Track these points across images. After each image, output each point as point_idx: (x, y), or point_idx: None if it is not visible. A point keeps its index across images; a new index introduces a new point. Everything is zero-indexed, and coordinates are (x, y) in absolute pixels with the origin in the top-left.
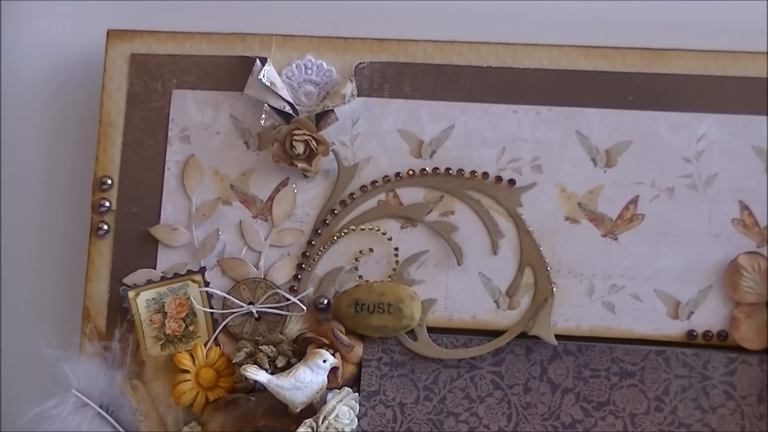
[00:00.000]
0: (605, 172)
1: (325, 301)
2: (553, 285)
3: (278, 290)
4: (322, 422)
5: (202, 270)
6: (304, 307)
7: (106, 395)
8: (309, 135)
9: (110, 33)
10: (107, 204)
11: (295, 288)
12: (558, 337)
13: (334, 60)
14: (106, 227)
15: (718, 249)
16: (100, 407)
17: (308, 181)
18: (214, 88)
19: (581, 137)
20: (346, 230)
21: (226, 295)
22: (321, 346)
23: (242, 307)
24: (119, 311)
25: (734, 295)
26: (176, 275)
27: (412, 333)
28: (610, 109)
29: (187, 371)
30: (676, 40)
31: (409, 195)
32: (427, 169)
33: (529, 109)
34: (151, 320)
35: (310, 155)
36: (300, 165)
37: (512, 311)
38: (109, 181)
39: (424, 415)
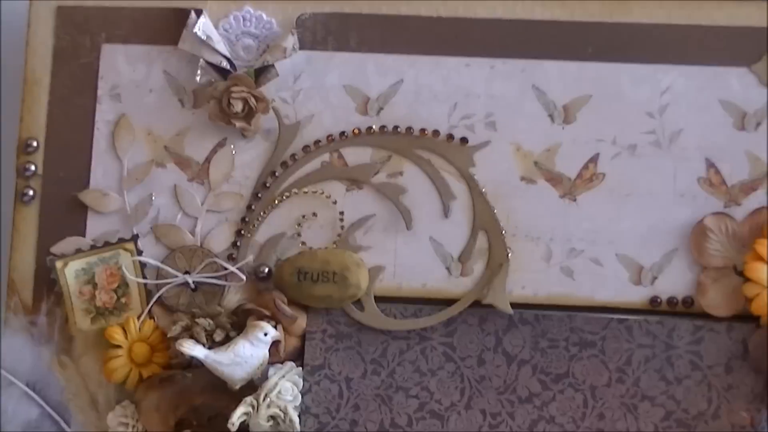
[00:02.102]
0: (563, 128)
1: (266, 270)
2: (509, 250)
3: (216, 259)
4: (264, 399)
5: (135, 237)
6: (244, 277)
7: (32, 373)
8: (248, 92)
9: None
10: (33, 168)
11: (233, 256)
12: (514, 305)
13: (274, 11)
14: (31, 193)
15: (683, 210)
16: (27, 386)
17: (247, 141)
18: (146, 43)
19: (538, 92)
20: (287, 194)
21: (160, 265)
22: (262, 318)
23: (177, 277)
24: (46, 283)
25: (700, 259)
26: (107, 244)
27: (358, 303)
28: (569, 62)
29: (119, 346)
30: None
31: (355, 155)
32: (373, 127)
33: (483, 62)
34: (80, 292)
35: (249, 113)
36: (238, 124)
37: (465, 278)
38: (35, 144)
39: (372, 390)
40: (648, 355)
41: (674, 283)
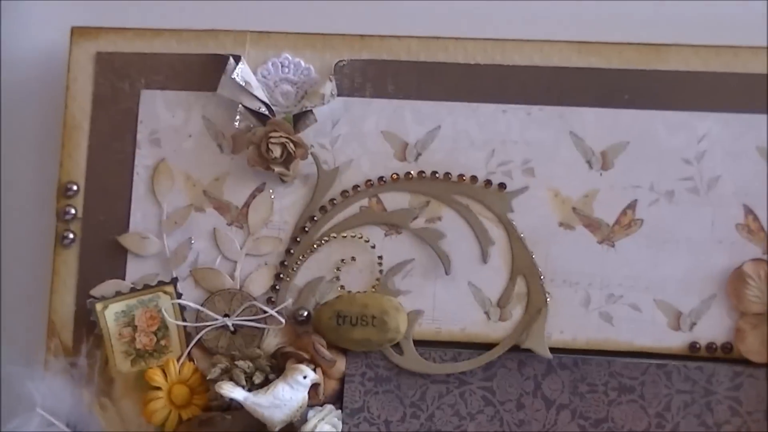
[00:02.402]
0: (601, 175)
1: (305, 313)
2: (547, 295)
3: (255, 302)
4: None
5: (174, 281)
6: (283, 320)
7: (72, 414)
8: (286, 137)
9: (74, 30)
10: (73, 211)
11: (273, 299)
12: (552, 350)
13: (312, 58)
14: (71, 236)
15: (721, 256)
16: (67, 426)
17: (286, 186)
18: (184, 88)
19: (575, 138)
20: (326, 238)
21: (200, 308)
22: (301, 361)
23: (217, 319)
24: (86, 325)
25: (739, 305)
26: (146, 286)
27: (397, 346)
28: (606, 109)
29: (158, 388)
30: (674, 36)
31: (394, 200)
32: (412, 172)
33: (520, 108)
34: (120, 334)
35: (287, 159)
36: (277, 169)
37: (504, 323)
38: (75, 188)
39: None
40: (687, 400)
41: (713, 328)
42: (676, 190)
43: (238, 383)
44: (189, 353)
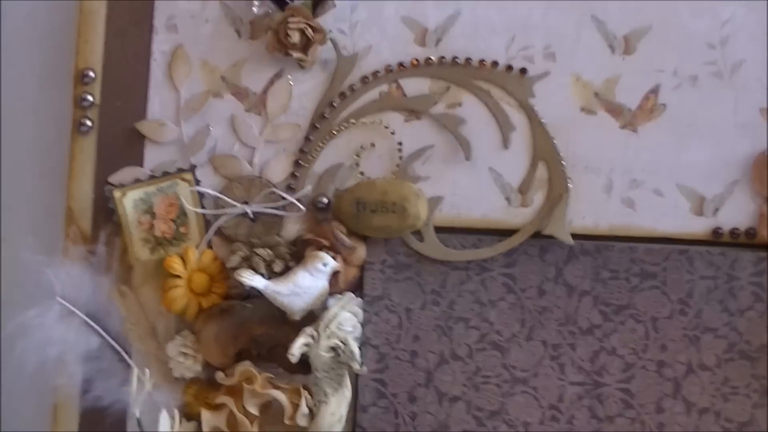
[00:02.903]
0: (623, 59)
1: (325, 201)
2: (569, 180)
3: (274, 189)
4: (324, 330)
5: (193, 168)
6: (303, 207)
7: (92, 303)
8: (305, 23)
9: None
10: (90, 98)
11: (292, 186)
12: (574, 236)
13: None
14: (89, 123)
15: (744, 141)
16: (86, 315)
17: (304, 72)
18: None
19: (597, 22)
20: (345, 124)
21: (219, 195)
22: (321, 248)
23: (236, 207)
24: (104, 212)
25: (762, 190)
26: (165, 173)
27: (417, 233)
28: None
29: (178, 276)
30: None
31: (413, 86)
32: (432, 58)
33: None
34: (139, 222)
35: (306, 44)
36: (296, 55)
37: (525, 209)
38: (92, 74)
39: (432, 320)
40: (710, 286)
41: (736, 214)
42: (700, 74)
43: (257, 271)
44: (208, 241)
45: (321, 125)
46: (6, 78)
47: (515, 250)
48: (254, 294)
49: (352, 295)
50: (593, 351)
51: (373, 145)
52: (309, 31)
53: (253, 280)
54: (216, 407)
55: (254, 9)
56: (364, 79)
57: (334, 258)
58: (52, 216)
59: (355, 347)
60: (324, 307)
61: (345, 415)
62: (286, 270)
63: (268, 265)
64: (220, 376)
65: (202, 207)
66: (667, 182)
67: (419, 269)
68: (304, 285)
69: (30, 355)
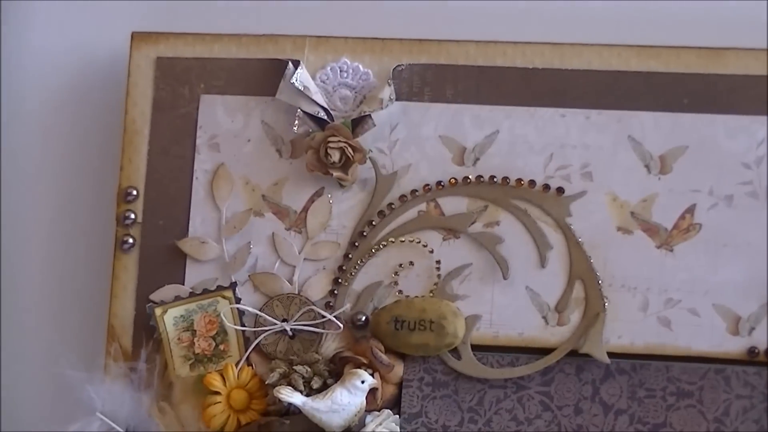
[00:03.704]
0: (659, 179)
1: (363, 318)
2: (605, 300)
3: (313, 307)
4: None
5: (233, 285)
6: (341, 325)
7: (132, 419)
8: (345, 142)
9: (134, 35)
10: (132, 216)
11: (331, 304)
12: (610, 355)
13: (370, 62)
14: (131, 241)
15: None
16: (126, 431)
17: (344, 190)
18: (244, 93)
19: (634, 142)
20: (384, 243)
21: (259, 312)
22: (359, 365)
23: (275, 324)
24: (146, 330)
25: None
26: (206, 291)
27: (455, 351)
28: (665, 113)
29: (217, 393)
30: (733, 39)
31: (452, 205)
32: (470, 177)
33: (578, 112)
34: (179, 339)
35: (346, 163)
36: (335, 174)
37: (562, 328)
38: (135, 192)
39: None
40: (746, 405)
41: None
42: (736, 194)
43: (296, 388)
44: (247, 358)
45: (360, 243)
46: (51, 194)
47: (552, 369)
48: (293, 410)
49: (390, 412)
50: None
51: (411, 263)
52: (349, 151)
53: (291, 396)
54: None
55: (295, 128)
56: (402, 198)
57: (372, 375)
58: (95, 333)
59: None
60: (362, 424)
61: None
62: (325, 387)
63: (307, 382)
64: None
65: (242, 324)
66: (703, 301)
67: (456, 387)
68: (343, 402)
69: None
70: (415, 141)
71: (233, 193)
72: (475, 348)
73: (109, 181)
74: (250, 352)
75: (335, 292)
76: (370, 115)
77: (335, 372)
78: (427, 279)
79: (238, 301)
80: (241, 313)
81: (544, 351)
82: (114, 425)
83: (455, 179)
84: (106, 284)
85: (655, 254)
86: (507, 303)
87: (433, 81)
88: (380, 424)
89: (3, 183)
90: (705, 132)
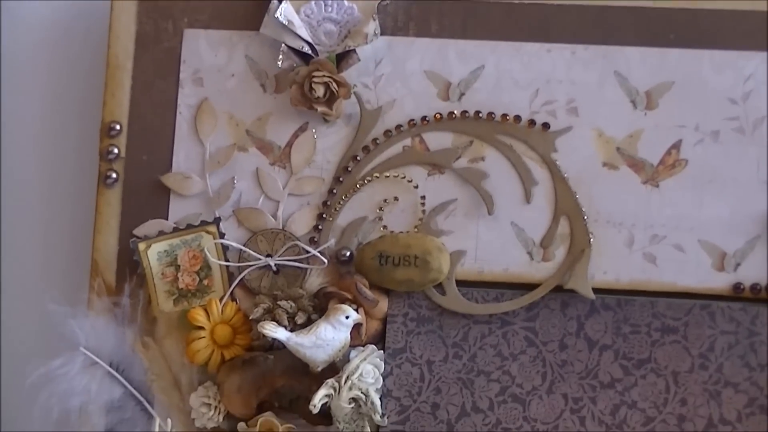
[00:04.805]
0: (645, 114)
1: (348, 254)
2: (591, 235)
3: (298, 242)
4: (345, 382)
5: (217, 220)
6: (325, 260)
7: (116, 353)
8: (329, 77)
9: None
10: (116, 151)
11: (315, 239)
12: (596, 290)
13: None
14: (114, 176)
15: (766, 196)
16: (110, 366)
17: (329, 125)
18: (227, 28)
19: (620, 78)
20: (369, 178)
21: (243, 247)
22: (343, 301)
23: (259, 259)
24: (129, 265)
25: None
26: (189, 226)
27: (440, 287)
28: (651, 48)
29: (201, 328)
30: None
31: (437, 140)
32: (455, 112)
33: (564, 47)
34: (163, 274)
35: (330, 98)
36: (320, 109)
37: (547, 263)
38: (118, 127)
39: (454, 373)
40: (731, 341)
41: (758, 269)
42: (722, 130)
43: (280, 323)
44: (231, 293)
45: (345, 179)
46: (33, 129)
47: (537, 304)
48: (277, 346)
49: (374, 347)
50: (614, 405)
51: (396, 198)
52: (333, 85)
53: (276, 332)
54: None
55: (279, 63)
56: (387, 133)
57: (356, 311)
58: (78, 268)
59: (376, 399)
60: (346, 359)
61: None
62: (309, 322)
63: (291, 317)
64: (242, 427)
65: (226, 259)
66: (689, 237)
67: (441, 322)
68: (327, 337)
69: (54, 405)
70: (399, 76)
71: (217, 128)
72: (460, 284)
73: (93, 117)
74: (234, 288)
75: (319, 227)
76: (354, 50)
77: (319, 307)
78: (411, 214)
79: (222, 236)
80: (225, 248)
81: (529, 287)
82: (98, 360)
83: (440, 114)
84: (89, 219)
85: (641, 190)
86: (492, 238)
87: (417, 16)
88: (364, 359)
89: None
90: (691, 67)
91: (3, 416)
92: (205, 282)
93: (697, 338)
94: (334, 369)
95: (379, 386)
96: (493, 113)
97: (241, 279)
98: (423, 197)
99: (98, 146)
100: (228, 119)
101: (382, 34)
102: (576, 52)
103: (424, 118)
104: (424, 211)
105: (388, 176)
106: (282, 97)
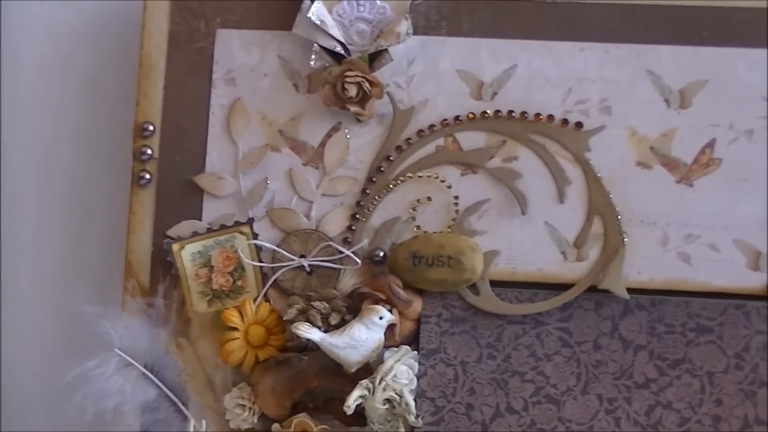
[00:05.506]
0: (679, 113)
1: (381, 254)
2: (624, 235)
3: (331, 242)
4: (379, 383)
5: (250, 221)
6: (359, 260)
7: (150, 354)
8: (362, 76)
9: None
10: (149, 151)
11: (348, 240)
12: (630, 290)
13: None
14: (148, 176)
15: None
16: (145, 367)
17: (361, 125)
18: (260, 27)
19: (653, 76)
20: (402, 178)
21: (276, 248)
22: (377, 301)
23: (293, 260)
24: (163, 265)
25: None
26: (223, 227)
27: (473, 287)
28: (684, 46)
29: (235, 329)
30: None
31: (469, 140)
32: (488, 111)
33: (597, 46)
34: (196, 275)
35: (363, 98)
36: (353, 109)
37: (580, 263)
38: (151, 128)
39: (488, 374)
40: (766, 341)
41: None
42: (756, 128)
43: (314, 324)
44: (265, 294)
45: (377, 179)
46: (67, 130)
47: (571, 304)
48: (311, 347)
49: (408, 348)
50: (649, 405)
51: (429, 198)
52: (366, 85)
53: (309, 332)
54: None
55: (311, 63)
56: (420, 133)
57: (390, 311)
58: (112, 269)
59: (410, 400)
60: (380, 359)
61: None
62: (343, 323)
63: (325, 318)
64: (276, 428)
65: (260, 260)
66: (723, 237)
67: (475, 323)
68: (360, 338)
69: (88, 406)
70: (432, 75)
71: (250, 128)
72: (494, 284)
73: (126, 117)
74: (267, 288)
75: (353, 227)
76: (387, 49)
77: (353, 308)
78: (445, 214)
79: (255, 236)
80: (259, 248)
81: (563, 287)
82: (132, 361)
83: (473, 114)
84: (123, 220)
85: (675, 189)
86: (525, 238)
87: (449, 15)
88: (398, 360)
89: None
90: (725, 65)
91: (3, 416)
92: (239, 283)
93: (732, 338)
94: (368, 370)
95: (413, 387)
96: (525, 112)
97: (275, 280)
98: (456, 197)
99: (131, 147)
100: (261, 119)
101: (414, 34)
102: (609, 51)
103: (456, 118)
104: (457, 211)
105: (421, 176)
106: (315, 97)
